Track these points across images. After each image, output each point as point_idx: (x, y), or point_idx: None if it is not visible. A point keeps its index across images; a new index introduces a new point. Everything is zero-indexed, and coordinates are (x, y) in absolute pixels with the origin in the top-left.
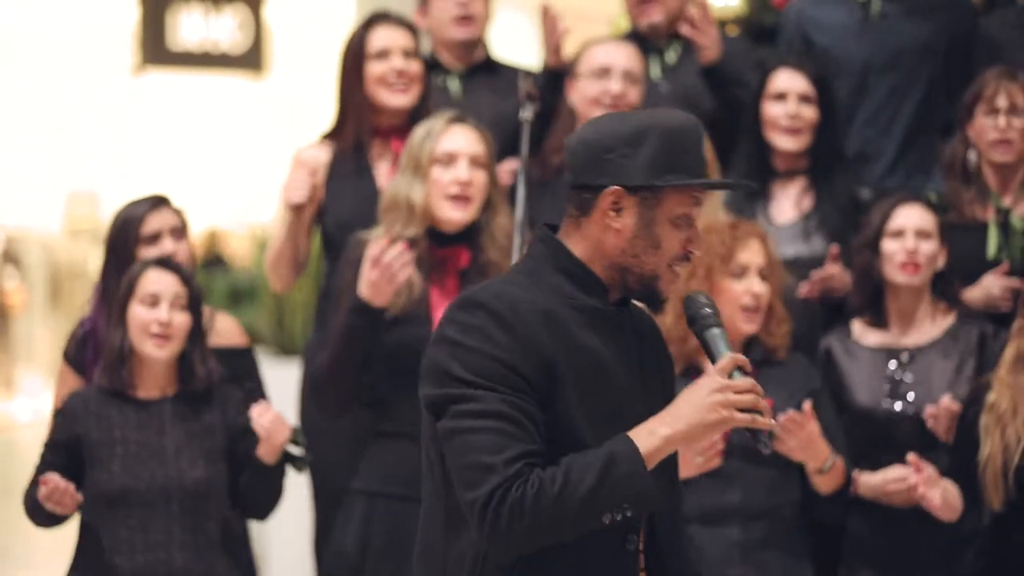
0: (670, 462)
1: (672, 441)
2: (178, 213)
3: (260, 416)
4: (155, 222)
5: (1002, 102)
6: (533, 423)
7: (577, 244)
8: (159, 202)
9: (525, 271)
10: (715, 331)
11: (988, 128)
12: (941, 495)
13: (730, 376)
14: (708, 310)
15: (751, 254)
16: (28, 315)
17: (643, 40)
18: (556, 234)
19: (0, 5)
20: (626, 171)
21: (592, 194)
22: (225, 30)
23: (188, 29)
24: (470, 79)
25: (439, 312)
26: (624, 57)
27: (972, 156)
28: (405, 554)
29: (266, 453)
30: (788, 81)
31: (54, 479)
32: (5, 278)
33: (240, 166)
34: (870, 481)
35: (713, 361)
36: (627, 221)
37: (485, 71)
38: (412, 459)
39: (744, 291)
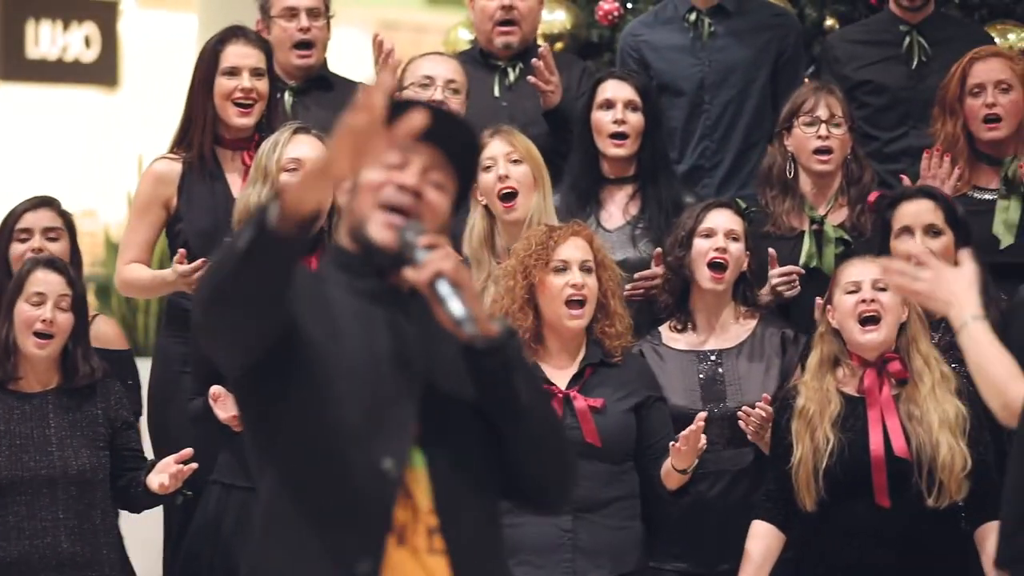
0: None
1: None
2: (62, 216)
3: (162, 476)
4: (29, 220)
5: (822, 112)
6: None
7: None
8: (43, 203)
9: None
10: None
11: (809, 138)
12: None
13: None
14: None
15: (572, 249)
16: None
17: (486, 58)
18: None
19: None
20: None
21: None
22: (78, 44)
23: (43, 43)
24: (304, 93)
25: None
26: (446, 69)
27: (789, 166)
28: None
29: (158, 489)
30: (615, 90)
31: None
32: None
33: (92, 175)
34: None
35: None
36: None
37: (319, 86)
38: None
39: (565, 284)
